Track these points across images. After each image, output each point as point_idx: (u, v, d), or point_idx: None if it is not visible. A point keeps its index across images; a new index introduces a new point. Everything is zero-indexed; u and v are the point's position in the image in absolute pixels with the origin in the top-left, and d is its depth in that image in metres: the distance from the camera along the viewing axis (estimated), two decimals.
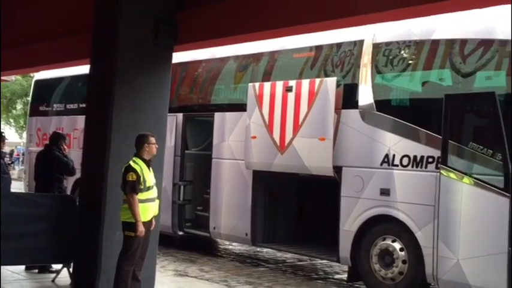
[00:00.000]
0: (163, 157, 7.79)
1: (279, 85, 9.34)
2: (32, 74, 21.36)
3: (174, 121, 10.96)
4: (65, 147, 8.88)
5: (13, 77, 31.14)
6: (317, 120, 8.77)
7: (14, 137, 39.63)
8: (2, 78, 15.66)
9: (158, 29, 7.55)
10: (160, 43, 7.60)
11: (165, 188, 9.62)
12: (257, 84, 9.70)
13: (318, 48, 9.34)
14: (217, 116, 10.58)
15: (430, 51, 7.97)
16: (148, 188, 6.64)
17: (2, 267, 7.25)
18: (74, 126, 12.96)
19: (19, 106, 36.59)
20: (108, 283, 6.89)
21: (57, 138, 8.88)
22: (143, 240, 6.64)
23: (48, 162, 8.58)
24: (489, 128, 7.40)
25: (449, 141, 7.49)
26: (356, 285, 9.06)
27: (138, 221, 6.46)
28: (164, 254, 10.40)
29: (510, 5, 5.88)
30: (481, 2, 6.06)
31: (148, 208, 6.67)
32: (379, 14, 6.06)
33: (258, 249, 11.52)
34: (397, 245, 8.13)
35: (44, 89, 14.95)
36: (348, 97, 8.74)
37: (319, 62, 9.26)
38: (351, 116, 8.62)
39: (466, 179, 7.32)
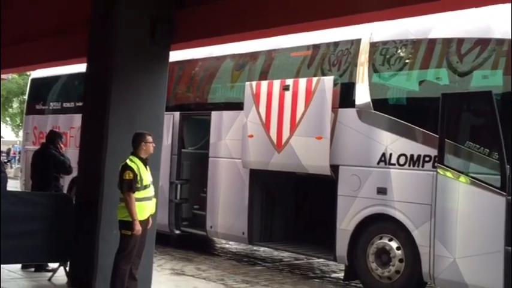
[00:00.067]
0: (160, 156, 7.79)
1: (276, 84, 9.34)
2: (28, 73, 21.31)
3: (171, 120, 10.95)
4: (62, 145, 8.86)
5: (9, 76, 31.14)
6: (314, 119, 8.77)
7: (11, 135, 39.57)
8: None
9: (155, 28, 7.54)
10: (158, 42, 7.60)
11: (162, 186, 9.61)
12: (254, 83, 9.70)
13: (315, 47, 9.34)
14: (214, 114, 10.57)
15: (427, 50, 7.98)
16: (145, 187, 6.63)
17: None
18: (71, 125, 12.93)
19: (15, 104, 36.54)
20: (104, 282, 6.88)
21: (53, 137, 8.86)
22: (140, 238, 6.63)
23: (45, 161, 8.57)
24: (486, 127, 7.40)
25: (446, 140, 7.50)
26: (353, 284, 9.06)
27: (135, 219, 6.46)
28: (161, 253, 10.39)
29: (510, 4, 5.89)
30: (478, 1, 6.08)
31: (145, 207, 6.67)
32: (376, 12, 6.07)
33: (255, 248, 11.52)
34: (393, 244, 8.14)
35: (41, 88, 14.92)
36: (344, 96, 8.74)
37: (316, 60, 9.26)
38: (348, 114, 8.62)
39: (462, 178, 7.33)
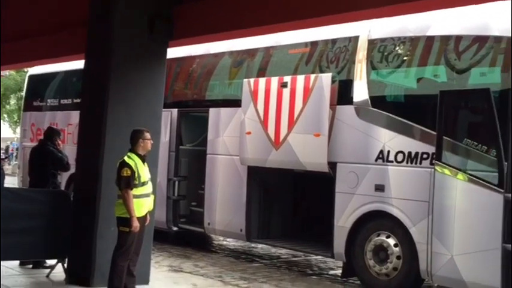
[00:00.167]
0: (158, 152, 7.79)
1: (274, 81, 9.34)
2: (25, 69, 21.27)
3: (169, 116, 10.95)
4: (60, 142, 8.86)
5: (7, 72, 31.10)
6: (312, 116, 8.77)
7: (8, 132, 39.51)
8: None
9: (154, 24, 7.54)
10: (156, 38, 7.60)
11: (159, 183, 9.62)
12: (252, 80, 9.69)
13: (313, 44, 9.34)
14: (212, 111, 10.57)
15: (425, 48, 7.98)
16: (143, 184, 6.63)
17: None
18: (68, 122, 12.92)
19: (13, 101, 36.47)
20: (102, 278, 6.89)
21: (51, 134, 8.86)
22: (138, 235, 6.63)
23: (43, 158, 8.56)
24: (484, 125, 7.40)
25: (444, 137, 7.50)
26: (350, 281, 9.07)
27: (132, 216, 6.46)
28: (159, 250, 10.39)
29: (510, 1, 5.90)
30: None
31: (143, 203, 6.67)
32: (374, 9, 6.08)
33: (253, 245, 11.53)
34: (391, 241, 8.15)
35: (38, 84, 14.90)
36: (343, 93, 8.74)
37: (314, 58, 9.26)
38: (346, 112, 8.62)
39: (460, 175, 7.34)
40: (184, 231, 11.26)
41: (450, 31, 7.82)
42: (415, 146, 7.88)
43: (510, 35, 7.10)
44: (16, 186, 13.95)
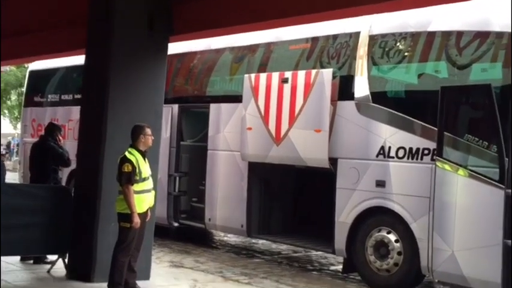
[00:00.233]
0: (159, 148, 7.79)
1: (275, 76, 9.32)
2: (26, 65, 21.26)
3: (170, 112, 10.94)
4: (60, 138, 8.86)
5: (7, 68, 31.10)
6: (313, 111, 8.75)
7: (9, 127, 39.51)
8: None
9: (153, 20, 7.53)
10: (156, 34, 7.58)
11: (160, 179, 9.62)
12: (253, 76, 9.68)
13: (314, 39, 9.32)
14: (213, 107, 10.56)
15: (426, 43, 7.96)
16: (144, 179, 6.64)
17: None
18: (69, 117, 12.91)
19: (13, 97, 36.47)
20: (103, 274, 6.89)
21: (52, 129, 8.85)
22: (139, 231, 6.64)
23: (44, 153, 8.56)
24: (485, 120, 7.39)
25: (445, 133, 7.49)
26: (351, 276, 9.07)
27: (133, 212, 6.46)
28: (160, 245, 10.40)
29: None
30: None
31: (144, 199, 6.67)
32: (375, 5, 6.07)
33: (253, 240, 11.53)
34: (392, 237, 8.15)
35: (39, 80, 14.88)
36: (343, 89, 8.72)
37: (315, 53, 9.24)
38: (347, 107, 8.61)
39: (461, 171, 7.33)
40: (185, 227, 11.28)
41: (451, 27, 7.80)
42: (416, 141, 7.87)
43: (511, 31, 7.09)
44: (17, 181, 13.96)
